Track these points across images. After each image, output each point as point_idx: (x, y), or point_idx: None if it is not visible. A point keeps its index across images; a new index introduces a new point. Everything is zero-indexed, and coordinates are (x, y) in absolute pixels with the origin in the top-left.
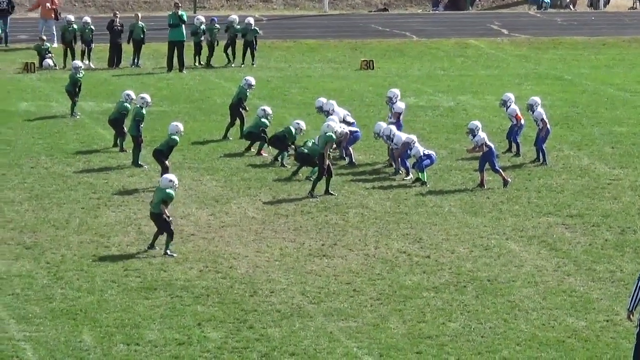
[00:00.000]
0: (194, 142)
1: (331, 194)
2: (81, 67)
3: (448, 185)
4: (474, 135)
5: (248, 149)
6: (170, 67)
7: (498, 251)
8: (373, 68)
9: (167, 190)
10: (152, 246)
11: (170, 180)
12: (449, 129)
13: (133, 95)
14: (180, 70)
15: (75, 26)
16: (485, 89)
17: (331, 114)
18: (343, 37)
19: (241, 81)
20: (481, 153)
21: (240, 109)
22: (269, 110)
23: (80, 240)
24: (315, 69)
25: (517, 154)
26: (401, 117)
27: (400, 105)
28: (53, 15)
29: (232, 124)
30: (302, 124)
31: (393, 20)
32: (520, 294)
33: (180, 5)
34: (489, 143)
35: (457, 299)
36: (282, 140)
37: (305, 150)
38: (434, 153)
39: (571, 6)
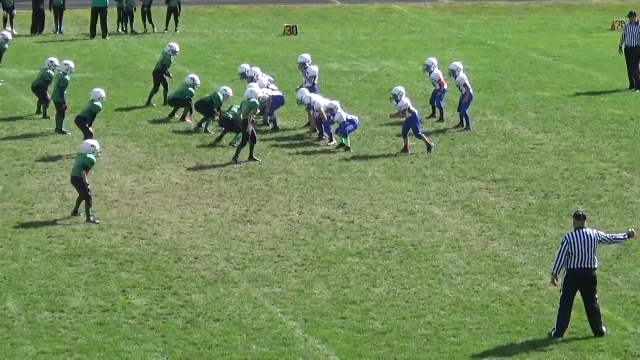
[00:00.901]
0: (117, 109)
1: (255, 160)
2: (9, 38)
3: (372, 150)
4: (398, 101)
5: (172, 115)
6: (93, 33)
7: (422, 216)
8: (296, 33)
9: (88, 155)
10: (75, 212)
11: (92, 145)
12: (372, 94)
13: (57, 62)
14: (104, 36)
15: None
16: (409, 54)
17: (255, 80)
18: (266, 3)
19: (165, 47)
20: (404, 118)
21: (164, 75)
22: (197, 80)
23: (4, 207)
24: (239, 34)
25: (441, 119)
26: (315, 80)
27: (313, 68)
28: None
29: (155, 90)
30: (229, 91)
31: None
32: (444, 258)
33: None
34: (412, 108)
35: (381, 264)
36: (209, 106)
37: (230, 116)
38: (357, 118)
39: None
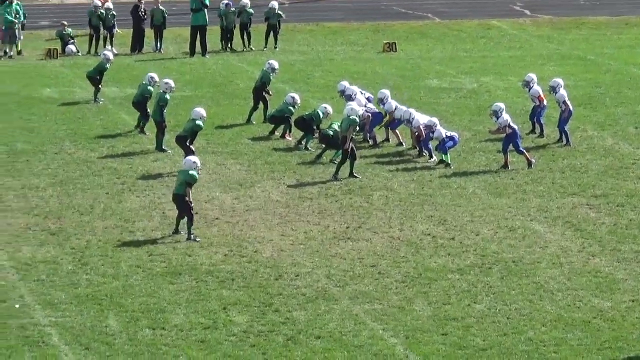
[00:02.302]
0: (217, 127)
1: (355, 177)
2: (111, 59)
3: (472, 166)
4: (498, 117)
5: (272, 132)
6: (192, 51)
7: (523, 232)
8: (396, 50)
9: (191, 172)
10: (176, 231)
11: (194, 162)
12: (472, 111)
13: (156, 78)
14: (203, 54)
15: (102, 11)
16: (508, 70)
17: (353, 98)
18: (365, 20)
19: (264, 65)
20: (505, 135)
21: (264, 93)
22: (298, 99)
23: (105, 225)
24: (338, 52)
25: (541, 134)
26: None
27: (391, 103)
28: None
29: (255, 108)
30: (329, 108)
31: (415, 2)
32: (545, 275)
33: None
34: (512, 124)
35: (482, 280)
36: (309, 123)
37: (330, 133)
38: (456, 135)
39: None
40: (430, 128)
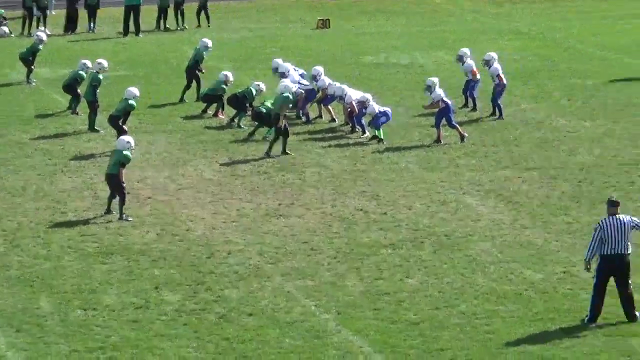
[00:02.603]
0: (150, 106)
1: (288, 154)
2: (44, 39)
3: (405, 141)
4: (431, 92)
5: (204, 111)
6: (126, 31)
7: (455, 206)
8: (329, 27)
9: (124, 152)
10: (108, 211)
11: (128, 142)
12: (405, 86)
13: (89, 65)
14: (137, 34)
15: None
16: (442, 45)
17: (287, 76)
18: None
19: (198, 43)
20: (438, 109)
21: (197, 72)
22: (230, 77)
23: (37, 206)
24: (272, 29)
25: (474, 108)
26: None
27: (324, 79)
28: None
29: (188, 86)
30: (262, 86)
31: None
32: (478, 248)
33: None
34: (445, 99)
35: (415, 254)
36: (241, 101)
37: (263, 110)
38: (389, 110)
39: None
40: (363, 104)
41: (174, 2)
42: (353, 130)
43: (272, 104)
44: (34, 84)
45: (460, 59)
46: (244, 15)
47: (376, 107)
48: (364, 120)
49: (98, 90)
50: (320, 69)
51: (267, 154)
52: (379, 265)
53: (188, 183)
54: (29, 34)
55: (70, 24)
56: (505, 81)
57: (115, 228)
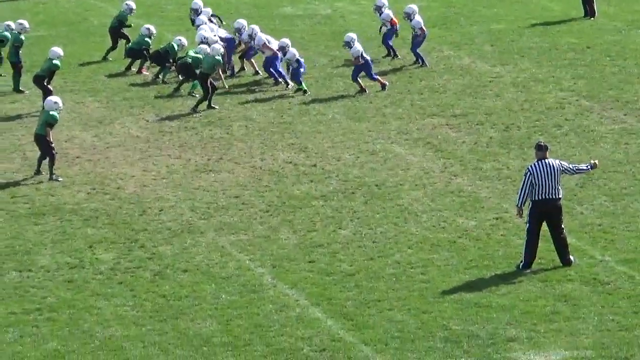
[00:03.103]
0: (73, 65)
1: (214, 108)
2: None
3: (330, 92)
4: (351, 47)
5: (128, 67)
6: None
7: (384, 156)
8: None
9: (52, 113)
10: (38, 171)
11: (55, 102)
12: (327, 37)
13: (13, 25)
14: None
15: None
16: None
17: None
18: None
19: (122, 6)
20: (356, 65)
21: (122, 30)
22: (153, 29)
23: None
24: None
25: (395, 56)
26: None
27: (260, 37)
28: None
29: (113, 47)
30: (184, 40)
31: None
32: (409, 197)
33: None
34: (365, 55)
35: (346, 205)
36: (164, 57)
37: (189, 61)
38: (302, 59)
39: None
40: (283, 49)
41: None
42: (277, 83)
43: (194, 54)
44: None
45: (378, 9)
46: None
47: (296, 53)
48: (283, 69)
49: (21, 51)
50: (243, 22)
51: (194, 110)
52: (311, 218)
53: (116, 141)
54: None
55: None
56: (426, 32)
57: (46, 189)
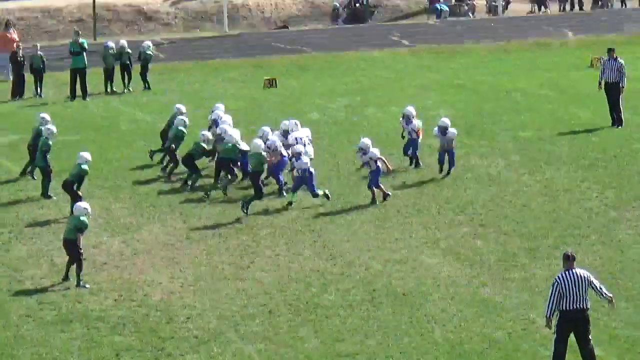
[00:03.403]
0: (100, 169)
1: (245, 213)
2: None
3: (358, 199)
4: (365, 153)
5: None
6: (73, 95)
7: (411, 264)
8: (276, 86)
9: (82, 218)
10: (66, 277)
11: (85, 208)
12: (354, 143)
13: (48, 118)
14: (84, 97)
15: None
16: (389, 101)
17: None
18: (245, 56)
19: (173, 108)
20: (371, 170)
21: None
22: (209, 135)
23: None
24: (219, 89)
25: (417, 165)
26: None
27: (272, 139)
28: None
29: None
30: (208, 134)
31: (293, 37)
32: (436, 306)
33: (80, 32)
34: (378, 162)
35: (373, 314)
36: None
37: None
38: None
39: (470, 14)
40: (298, 155)
41: (120, 64)
42: (280, 192)
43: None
44: None
45: (407, 118)
46: (189, 76)
47: (308, 161)
48: (282, 176)
49: (49, 156)
50: (267, 129)
51: (245, 209)
52: (338, 327)
53: (143, 248)
54: None
55: (18, 90)
56: (421, 136)
57: (73, 295)
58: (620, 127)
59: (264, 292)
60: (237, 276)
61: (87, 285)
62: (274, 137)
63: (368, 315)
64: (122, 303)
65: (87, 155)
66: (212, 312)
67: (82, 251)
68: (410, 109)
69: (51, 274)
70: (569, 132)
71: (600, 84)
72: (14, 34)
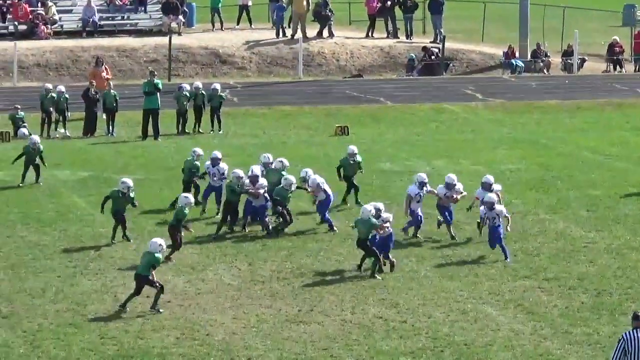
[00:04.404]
0: (170, 210)
1: (375, 277)
2: (37, 141)
3: (424, 249)
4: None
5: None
6: (145, 135)
7: (474, 315)
8: (348, 134)
9: (156, 255)
10: (124, 306)
11: (160, 245)
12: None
13: (200, 152)
14: (156, 138)
15: (53, 95)
16: (460, 154)
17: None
18: (317, 104)
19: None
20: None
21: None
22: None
23: (57, 308)
24: (290, 135)
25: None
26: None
27: (313, 178)
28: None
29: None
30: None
31: (367, 86)
32: (498, 358)
33: (155, 73)
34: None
35: None
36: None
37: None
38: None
39: (545, 70)
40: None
41: (194, 106)
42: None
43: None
44: (41, 183)
45: (488, 187)
46: (262, 121)
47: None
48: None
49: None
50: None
51: (373, 275)
52: None
53: (208, 288)
54: (48, 136)
55: (89, 127)
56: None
57: (135, 331)
58: None
59: (326, 337)
60: (299, 319)
61: (162, 311)
62: (315, 177)
63: None
64: (183, 341)
65: (189, 197)
66: (273, 354)
67: (157, 282)
68: (490, 179)
69: (114, 309)
70: (637, 191)
71: None
72: (104, 72)
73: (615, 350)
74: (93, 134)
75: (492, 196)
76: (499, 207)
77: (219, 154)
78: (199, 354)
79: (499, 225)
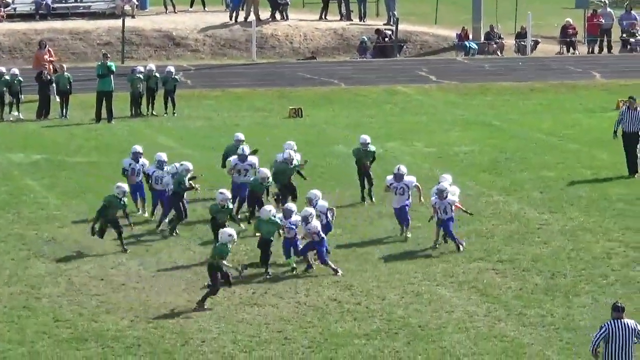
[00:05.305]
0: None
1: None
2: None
3: (378, 232)
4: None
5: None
6: (99, 117)
7: (429, 297)
8: (301, 116)
9: (229, 245)
10: (201, 304)
11: (230, 235)
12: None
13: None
14: (109, 120)
15: (7, 77)
16: (414, 136)
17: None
18: (271, 86)
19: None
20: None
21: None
22: (268, 173)
23: (11, 291)
24: (244, 117)
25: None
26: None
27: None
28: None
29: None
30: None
31: (321, 68)
32: (452, 339)
33: (109, 55)
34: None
35: (389, 345)
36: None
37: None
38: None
39: (498, 52)
40: (306, 219)
41: (146, 89)
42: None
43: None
44: None
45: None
46: (215, 103)
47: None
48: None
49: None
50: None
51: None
52: (353, 356)
53: (162, 270)
54: (1, 119)
55: (43, 110)
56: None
57: (89, 314)
58: (635, 177)
59: (280, 319)
60: (254, 302)
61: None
62: (323, 202)
63: (383, 346)
64: (138, 324)
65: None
66: (227, 336)
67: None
68: (446, 178)
69: (68, 292)
70: (592, 173)
71: (615, 132)
72: (46, 54)
73: (597, 335)
74: (47, 116)
75: (444, 184)
76: (451, 197)
77: (164, 156)
78: (153, 336)
79: (451, 218)
